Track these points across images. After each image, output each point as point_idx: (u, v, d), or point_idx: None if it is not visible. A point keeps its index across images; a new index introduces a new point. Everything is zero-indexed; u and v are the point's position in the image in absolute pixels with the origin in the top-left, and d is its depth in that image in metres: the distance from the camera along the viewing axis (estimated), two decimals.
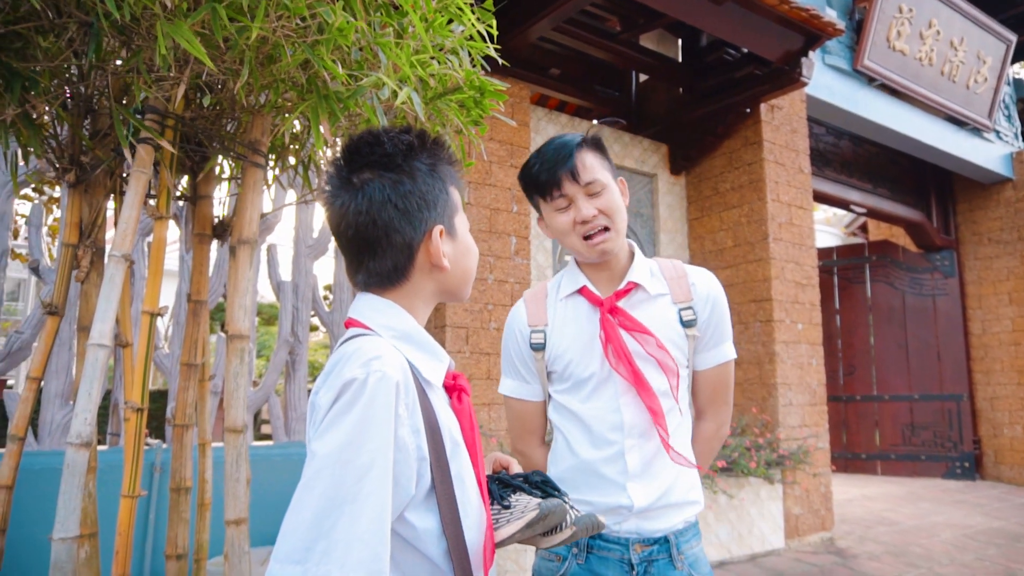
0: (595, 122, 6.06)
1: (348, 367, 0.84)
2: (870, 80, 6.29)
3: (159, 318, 1.94)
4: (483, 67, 2.04)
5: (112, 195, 2.01)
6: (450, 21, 1.91)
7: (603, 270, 1.52)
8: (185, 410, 2.14)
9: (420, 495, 0.87)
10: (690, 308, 1.49)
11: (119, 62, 1.78)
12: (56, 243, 5.53)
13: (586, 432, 1.47)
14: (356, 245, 0.97)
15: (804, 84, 4.84)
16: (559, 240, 1.53)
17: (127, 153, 1.62)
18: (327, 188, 0.99)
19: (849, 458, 8.68)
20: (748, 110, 5.44)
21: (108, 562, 2.65)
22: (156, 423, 6.31)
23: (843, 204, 7.62)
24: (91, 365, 1.52)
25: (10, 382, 8.34)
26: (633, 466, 1.42)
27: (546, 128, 5.09)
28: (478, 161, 4.31)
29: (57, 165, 1.91)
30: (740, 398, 5.27)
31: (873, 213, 8.02)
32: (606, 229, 1.45)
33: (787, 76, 4.87)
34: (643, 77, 6.32)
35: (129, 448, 1.83)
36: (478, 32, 1.94)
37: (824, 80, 5.85)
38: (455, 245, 1.02)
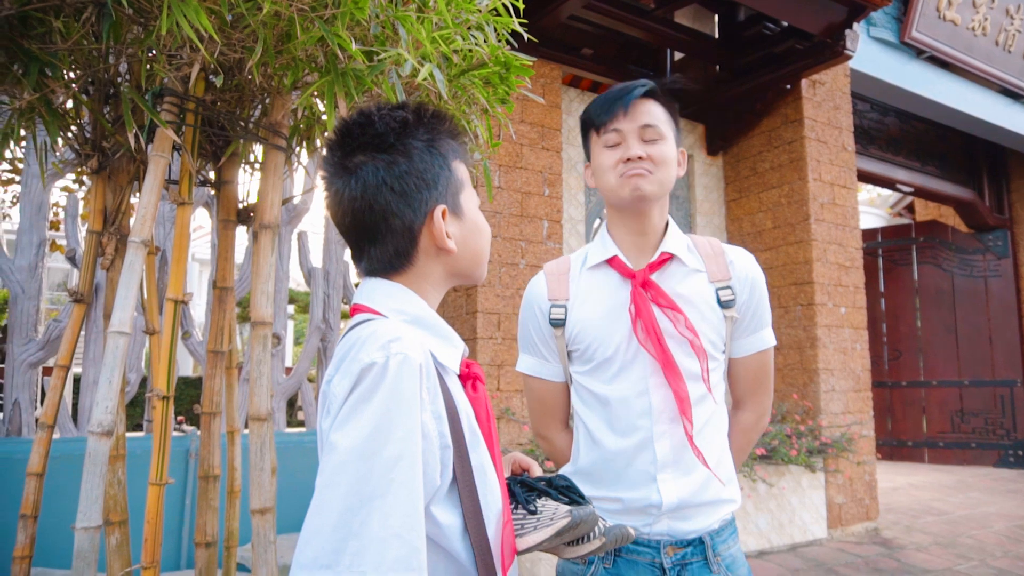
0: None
1: (365, 351, 0.78)
2: (918, 52, 6.01)
3: (186, 306, 1.93)
4: (510, 43, 1.97)
5: (136, 181, 1.99)
6: None
7: (637, 234, 1.41)
8: (212, 398, 2.12)
9: (444, 487, 0.81)
10: (728, 288, 1.38)
11: (138, 42, 1.75)
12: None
13: (610, 419, 1.36)
14: (355, 232, 0.91)
15: (848, 58, 4.64)
16: (598, 184, 1.43)
17: (130, 138, 1.58)
18: (322, 174, 0.93)
19: (895, 445, 8.44)
20: (788, 86, 5.25)
21: (140, 549, 2.68)
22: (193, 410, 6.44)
23: (889, 183, 7.34)
24: (111, 353, 1.50)
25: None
26: (663, 455, 1.31)
27: (578, 109, 4.98)
28: (508, 143, 4.23)
29: (80, 151, 1.90)
30: (780, 384, 5.13)
31: (921, 192, 7.72)
32: (650, 173, 1.35)
33: (830, 50, 4.67)
34: (678, 55, 6.14)
35: (157, 435, 1.82)
36: (504, 7, 1.86)
37: (869, 53, 5.61)
38: (462, 224, 0.95)
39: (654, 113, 1.37)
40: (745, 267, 1.42)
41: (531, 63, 1.94)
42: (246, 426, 2.73)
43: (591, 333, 1.38)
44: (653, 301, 1.34)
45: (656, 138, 1.36)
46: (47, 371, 4.76)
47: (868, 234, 8.77)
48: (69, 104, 1.90)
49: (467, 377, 0.93)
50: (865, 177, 6.97)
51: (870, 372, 5.35)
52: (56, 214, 5.66)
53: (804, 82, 5.20)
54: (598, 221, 5.06)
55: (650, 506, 1.31)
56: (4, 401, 3.29)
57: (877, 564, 4.23)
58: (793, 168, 5.20)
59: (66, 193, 4.37)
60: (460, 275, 0.97)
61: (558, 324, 1.44)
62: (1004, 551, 4.53)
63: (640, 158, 1.34)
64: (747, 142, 5.59)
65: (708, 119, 5.69)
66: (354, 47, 1.47)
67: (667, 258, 1.40)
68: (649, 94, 1.38)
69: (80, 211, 3.74)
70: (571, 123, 4.92)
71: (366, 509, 0.71)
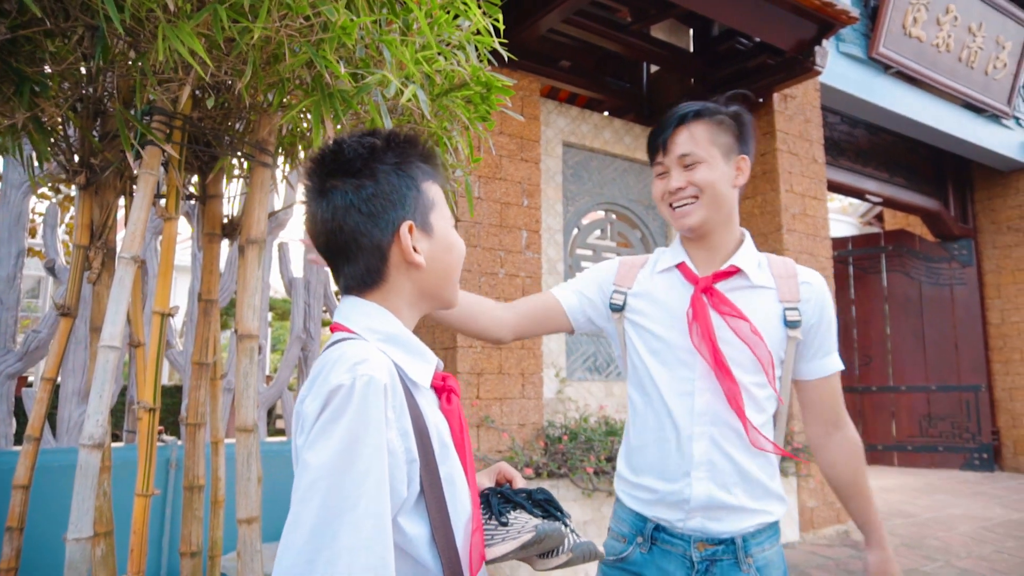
0: (606, 113, 6.02)
1: (334, 373, 0.84)
2: (886, 68, 6.20)
3: (171, 318, 1.96)
4: (490, 62, 2.03)
5: (122, 196, 2.02)
6: (455, 16, 1.90)
7: (705, 249, 1.46)
8: (197, 409, 2.15)
9: (411, 499, 0.87)
10: (796, 309, 1.41)
11: (130, 63, 1.78)
12: (72, 242, 5.60)
13: (656, 410, 1.42)
14: (330, 251, 0.98)
15: (818, 73, 4.78)
16: (657, 207, 1.53)
17: (128, 156, 1.62)
18: (301, 199, 1.00)
19: (866, 449, 8.59)
20: (761, 100, 5.38)
21: (124, 559, 2.69)
22: (172, 418, 6.38)
23: (858, 194, 7.53)
24: (102, 367, 1.53)
25: (30, 379, 8.45)
26: (699, 455, 1.36)
27: (556, 121, 5.06)
28: (487, 155, 4.30)
29: (68, 167, 1.92)
30: None
31: (889, 202, 7.93)
32: (695, 199, 1.41)
33: (800, 65, 4.81)
34: (655, 68, 6.26)
35: (142, 447, 1.85)
36: (485, 27, 1.93)
37: (838, 68, 5.78)
38: (432, 241, 0.99)
39: (694, 137, 1.42)
40: (819, 291, 1.44)
41: (511, 84, 2.01)
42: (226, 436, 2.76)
43: (652, 327, 1.45)
44: (714, 307, 1.39)
45: (696, 162, 1.42)
46: (22, 381, 4.72)
47: (839, 243, 8.97)
48: (58, 120, 1.92)
49: (442, 390, 0.99)
50: (835, 188, 7.15)
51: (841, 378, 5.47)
52: (33, 221, 5.61)
53: (776, 96, 5.34)
54: (576, 230, 5.14)
55: (682, 501, 1.37)
56: None
57: (848, 565, 4.34)
58: (766, 180, 5.33)
59: (44, 201, 4.34)
60: (430, 294, 1.02)
61: (616, 308, 1.50)
62: (969, 551, 4.67)
63: (680, 188, 1.42)
64: None
65: None
66: (342, 70, 1.53)
67: (734, 271, 1.43)
68: (685, 121, 1.44)
69: (62, 220, 3.72)
70: (549, 134, 5.00)
71: (337, 522, 0.76)
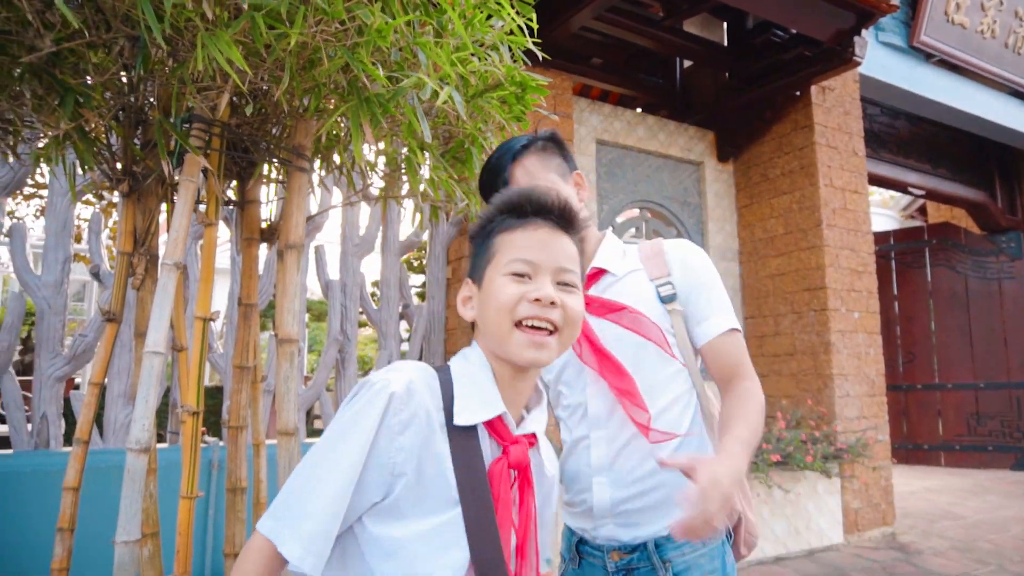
0: (638, 110, 5.96)
1: (377, 372, 0.95)
2: (928, 56, 6.02)
3: (212, 321, 1.98)
4: (524, 61, 2.02)
5: (164, 203, 2.05)
6: (489, 17, 1.88)
7: None
8: (239, 412, 2.18)
9: (386, 506, 0.91)
10: (668, 283, 1.39)
11: (168, 72, 1.81)
12: (116, 248, 5.73)
13: (565, 423, 1.45)
14: None
15: (857, 64, 4.66)
16: None
17: (164, 165, 1.64)
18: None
19: (910, 449, 8.40)
20: (798, 93, 5.27)
21: (168, 559, 2.73)
22: (214, 419, 6.49)
23: (900, 187, 7.33)
24: (147, 372, 1.55)
25: (77, 381, 8.70)
26: (597, 459, 1.35)
27: (589, 119, 5.03)
28: None
29: (111, 176, 1.96)
30: (794, 389, 5.14)
31: (933, 195, 7.70)
32: None
33: (839, 56, 4.69)
34: (688, 63, 6.18)
35: (186, 450, 1.88)
36: (518, 26, 1.91)
37: (878, 58, 5.63)
38: (480, 293, 1.01)
39: (529, 171, 1.47)
40: (681, 255, 1.43)
41: (546, 83, 1.99)
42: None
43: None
44: (593, 313, 1.37)
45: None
46: (70, 384, 4.85)
47: (880, 237, 8.75)
48: (100, 129, 1.96)
49: (504, 442, 0.97)
50: (876, 181, 6.97)
51: (884, 376, 5.35)
52: (78, 227, 5.76)
53: (814, 88, 5.22)
54: (610, 229, 5.10)
55: (588, 509, 1.35)
56: (32, 414, 3.37)
57: (894, 569, 4.23)
58: (804, 174, 5.22)
59: (89, 207, 4.45)
60: (492, 345, 1.00)
61: None
62: (1022, 555, 4.51)
63: None
64: (758, 148, 5.61)
65: (718, 126, 5.71)
66: (380, 73, 1.52)
67: (598, 273, 1.43)
68: (517, 158, 1.49)
69: (103, 227, 3.81)
70: (582, 132, 4.96)
71: (308, 487, 0.89)
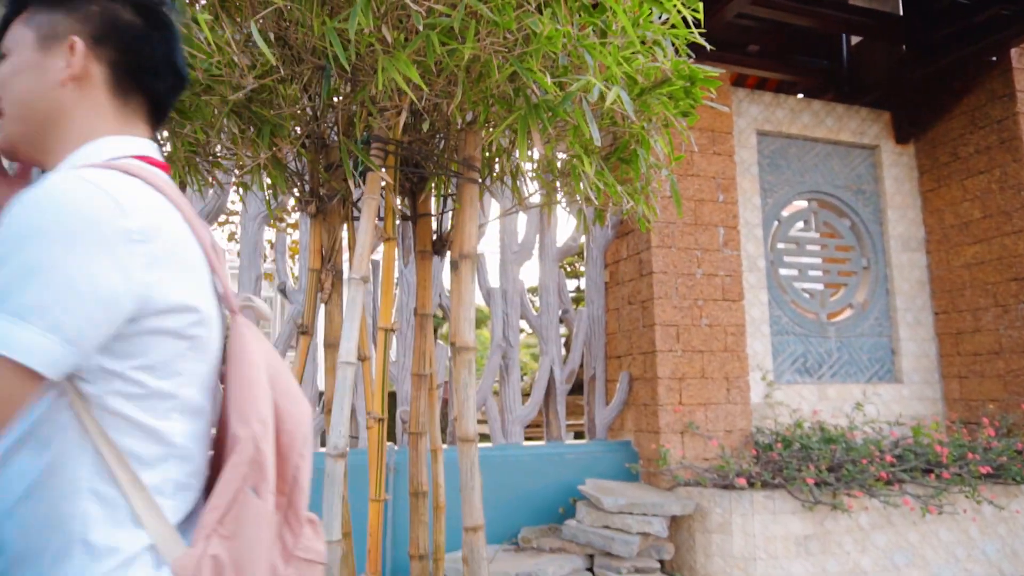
0: (800, 96, 5.58)
1: None
2: None
3: (393, 332, 2.07)
4: (688, 54, 1.93)
5: (346, 222, 2.18)
6: (649, 12, 1.82)
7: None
8: (418, 418, 2.26)
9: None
10: None
11: (340, 97, 1.92)
12: (296, 265, 6.24)
13: None
14: None
15: None
16: None
17: (351, 184, 1.73)
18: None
19: None
20: (994, 58, 4.68)
21: (356, 558, 2.89)
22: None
23: None
24: (341, 382, 1.64)
25: None
26: None
27: (748, 109, 4.77)
28: (677, 152, 4.14)
29: (300, 198, 2.11)
30: (1003, 392, 4.54)
31: None
32: None
33: None
34: (856, 39, 5.70)
35: (373, 455, 1.97)
36: (682, 18, 1.84)
37: None
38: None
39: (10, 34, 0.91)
40: None
41: (717, 74, 1.89)
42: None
43: None
44: None
45: None
46: None
47: None
48: (289, 156, 2.12)
49: None
50: None
51: None
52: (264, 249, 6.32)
53: (1013, 52, 4.61)
54: (776, 223, 4.80)
55: None
56: None
57: None
58: (1005, 149, 4.61)
59: (272, 230, 4.86)
60: None
61: None
62: None
63: None
64: (944, 126, 5.05)
65: (895, 105, 5.21)
66: (548, 81, 1.51)
67: None
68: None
69: (287, 246, 4.15)
70: (741, 124, 4.72)
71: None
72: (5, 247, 0.71)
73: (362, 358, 2.27)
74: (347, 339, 1.68)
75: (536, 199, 2.44)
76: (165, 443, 0.80)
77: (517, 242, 4.28)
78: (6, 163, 0.97)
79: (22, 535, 0.75)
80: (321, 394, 3.54)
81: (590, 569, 3.56)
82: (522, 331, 4.43)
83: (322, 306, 2.19)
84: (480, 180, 1.98)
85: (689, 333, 3.98)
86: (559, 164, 2.19)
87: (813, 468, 3.60)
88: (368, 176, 1.82)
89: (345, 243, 2.18)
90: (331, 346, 2.11)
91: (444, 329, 9.34)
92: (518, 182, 2.21)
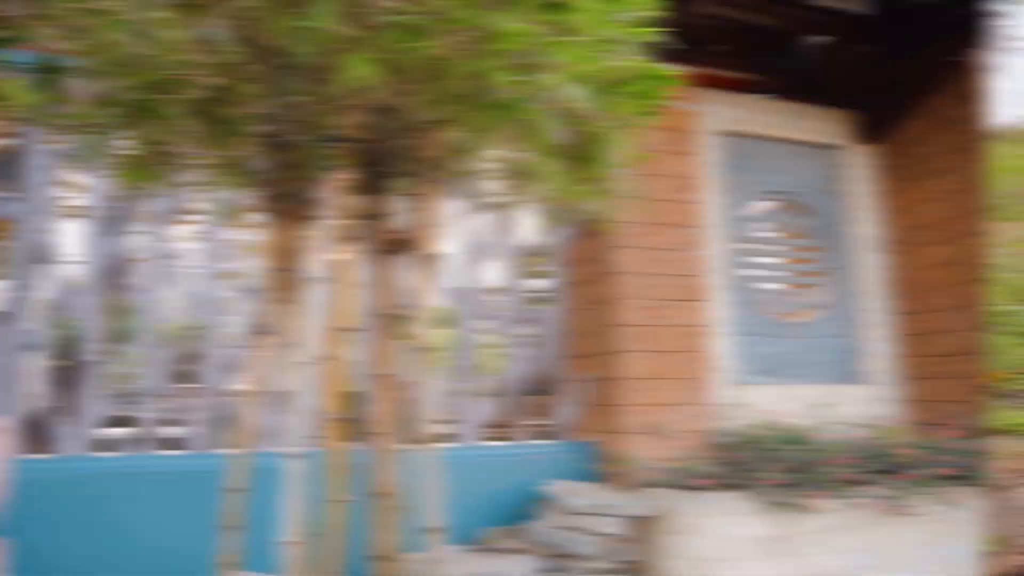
0: (767, 96, 5.64)
1: None
2: None
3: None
4: (653, 54, 1.94)
5: (307, 221, 2.14)
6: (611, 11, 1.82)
7: None
8: (379, 419, 2.24)
9: None
10: None
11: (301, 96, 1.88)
12: (257, 264, 6.15)
13: None
14: None
15: None
16: None
17: (312, 183, 1.71)
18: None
19: None
20: (960, 59, 4.72)
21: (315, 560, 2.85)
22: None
23: None
24: (301, 382, 1.62)
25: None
26: None
27: (714, 110, 4.82)
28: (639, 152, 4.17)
29: (260, 198, 2.07)
30: (966, 394, 4.60)
31: None
32: None
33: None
34: (822, 39, 5.76)
35: (333, 456, 1.95)
36: (643, 18, 1.84)
37: None
38: None
39: None
40: None
41: (677, 73, 1.91)
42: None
43: None
44: None
45: None
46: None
47: None
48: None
49: None
50: None
51: None
52: None
53: (979, 52, 4.65)
54: (741, 224, 4.85)
55: None
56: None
57: None
58: (969, 150, 4.66)
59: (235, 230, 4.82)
60: None
61: None
62: None
63: None
64: (910, 126, 5.08)
65: (860, 105, 5.27)
66: (508, 79, 1.51)
67: None
68: None
69: (248, 246, 4.10)
70: (707, 125, 4.77)
71: None
72: None
73: (323, 358, 2.25)
74: (307, 339, 1.66)
75: (499, 199, 2.44)
76: None
77: (480, 242, 4.27)
78: None
79: None
80: (282, 394, 3.49)
81: (552, 570, 3.56)
82: (485, 331, 4.41)
83: (283, 306, 2.16)
84: (442, 179, 1.96)
85: (654, 334, 4.01)
86: (521, 164, 2.18)
87: (776, 469, 3.64)
88: (328, 176, 1.80)
89: (306, 243, 2.15)
90: (291, 346, 2.08)
91: (406, 329, 9.30)
92: (481, 181, 2.21)
